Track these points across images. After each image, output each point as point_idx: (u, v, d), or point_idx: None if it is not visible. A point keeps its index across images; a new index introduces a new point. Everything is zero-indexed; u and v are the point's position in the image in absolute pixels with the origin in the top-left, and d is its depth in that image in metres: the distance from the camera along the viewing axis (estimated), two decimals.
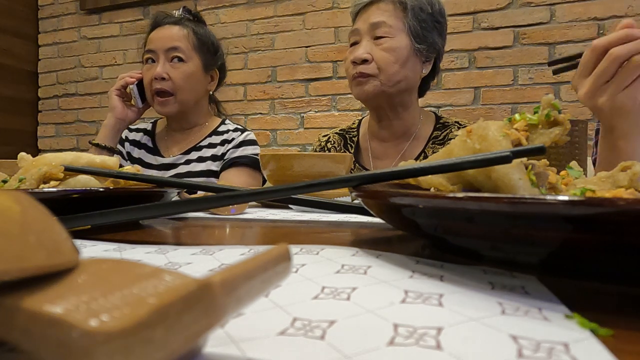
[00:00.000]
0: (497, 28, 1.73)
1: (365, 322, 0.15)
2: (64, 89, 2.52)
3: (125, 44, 2.38)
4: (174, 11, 1.22)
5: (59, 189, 0.44)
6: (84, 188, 0.45)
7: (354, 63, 0.98)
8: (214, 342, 0.14)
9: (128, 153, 1.27)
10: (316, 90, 2.01)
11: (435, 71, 1.06)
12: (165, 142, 1.27)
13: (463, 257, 0.26)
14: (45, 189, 0.43)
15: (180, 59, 1.15)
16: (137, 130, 1.31)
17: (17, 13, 2.47)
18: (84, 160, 0.51)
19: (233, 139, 1.23)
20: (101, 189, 0.43)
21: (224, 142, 1.22)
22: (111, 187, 0.47)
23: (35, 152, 2.50)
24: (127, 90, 1.22)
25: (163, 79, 1.14)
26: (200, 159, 1.21)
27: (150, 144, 1.28)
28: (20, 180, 0.46)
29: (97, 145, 1.19)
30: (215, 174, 1.20)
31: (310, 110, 2.03)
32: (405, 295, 0.18)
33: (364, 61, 0.97)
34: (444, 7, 1.03)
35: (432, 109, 1.80)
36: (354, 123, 1.18)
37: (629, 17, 1.56)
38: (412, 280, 0.21)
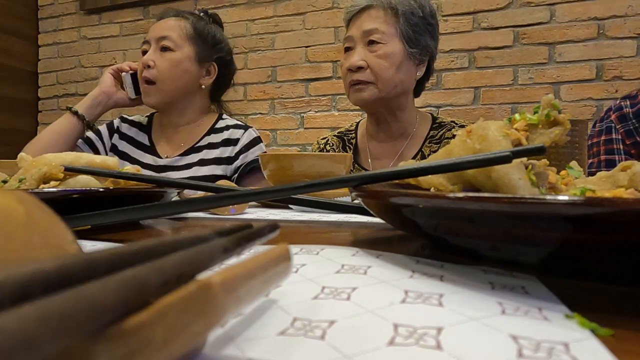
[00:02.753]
0: (497, 28, 1.73)
1: (365, 322, 0.15)
2: (64, 89, 2.52)
3: (125, 44, 2.38)
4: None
5: (59, 189, 0.44)
6: (84, 188, 0.45)
7: (350, 70, 0.99)
8: (214, 342, 0.14)
9: (113, 145, 1.19)
10: (316, 90, 2.01)
11: (429, 72, 1.07)
12: (160, 140, 1.20)
13: (463, 257, 0.26)
14: (45, 189, 0.44)
15: (169, 48, 1.11)
16: (132, 123, 1.24)
17: (17, 13, 2.47)
18: (84, 160, 0.51)
19: (237, 139, 1.15)
20: (101, 189, 0.43)
21: (227, 143, 1.15)
22: (111, 187, 0.47)
23: None
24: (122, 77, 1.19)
25: (149, 66, 1.10)
26: (203, 162, 1.14)
27: (146, 142, 1.20)
28: (20, 181, 0.46)
29: (70, 109, 1.14)
30: (220, 178, 1.12)
31: (310, 110, 2.02)
32: (405, 295, 0.18)
33: (359, 68, 0.98)
34: (434, 8, 1.03)
35: (432, 109, 1.80)
36: (351, 125, 1.19)
37: (629, 17, 1.56)
38: (412, 280, 0.21)
